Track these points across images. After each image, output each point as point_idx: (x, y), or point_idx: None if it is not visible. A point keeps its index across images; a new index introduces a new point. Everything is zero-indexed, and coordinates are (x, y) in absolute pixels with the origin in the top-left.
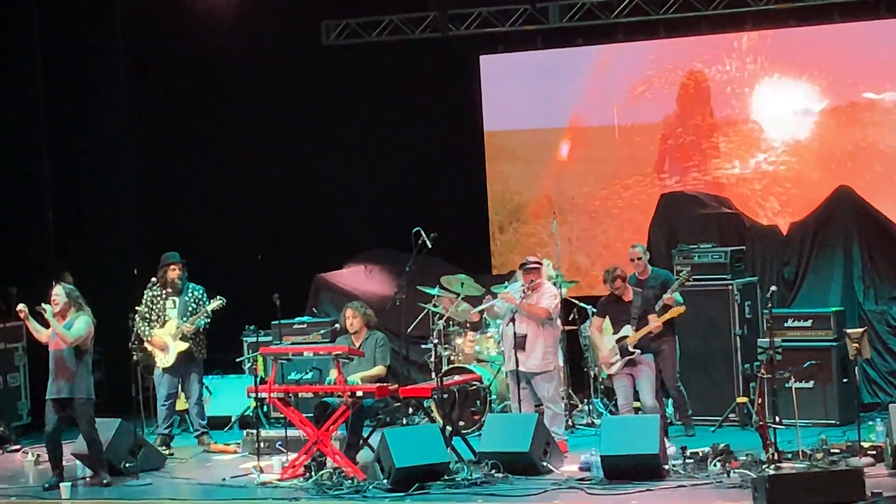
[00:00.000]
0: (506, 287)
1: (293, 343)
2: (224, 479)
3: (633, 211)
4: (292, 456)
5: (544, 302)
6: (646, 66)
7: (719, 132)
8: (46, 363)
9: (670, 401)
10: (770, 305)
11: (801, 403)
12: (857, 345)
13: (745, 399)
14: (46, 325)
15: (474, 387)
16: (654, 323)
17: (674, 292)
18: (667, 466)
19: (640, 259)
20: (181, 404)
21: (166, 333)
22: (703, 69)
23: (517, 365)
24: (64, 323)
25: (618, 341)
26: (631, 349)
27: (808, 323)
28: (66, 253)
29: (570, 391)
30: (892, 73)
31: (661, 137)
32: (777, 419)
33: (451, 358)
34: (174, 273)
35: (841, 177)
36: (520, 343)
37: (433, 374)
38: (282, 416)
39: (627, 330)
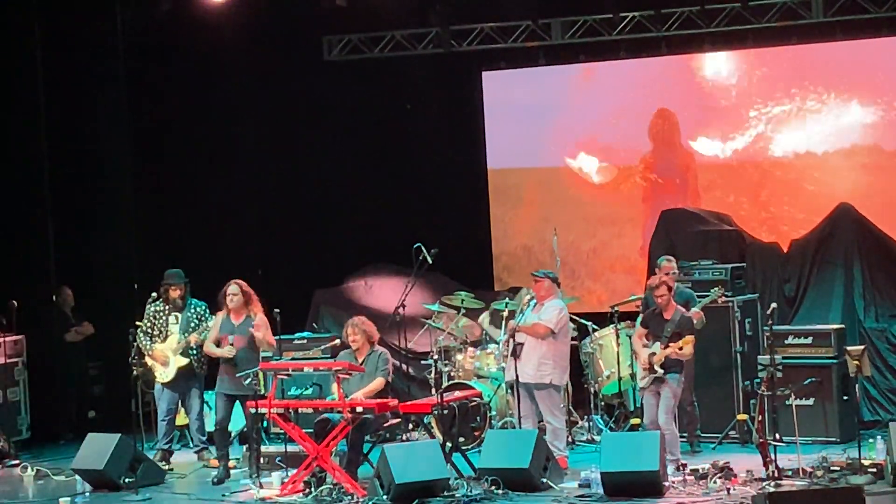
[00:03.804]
0: (506, 304)
1: (293, 359)
2: (224, 495)
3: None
4: (292, 471)
5: (544, 316)
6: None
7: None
8: (47, 378)
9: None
10: (770, 322)
11: (802, 421)
12: (857, 362)
13: (745, 416)
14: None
15: (474, 403)
16: (671, 349)
17: (701, 307)
18: (667, 483)
19: (673, 273)
20: (181, 419)
21: (167, 348)
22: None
23: (517, 375)
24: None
25: (649, 357)
26: (657, 368)
27: (809, 340)
28: (67, 268)
29: (571, 408)
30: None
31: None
32: (777, 436)
33: (451, 374)
34: (175, 293)
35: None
36: (516, 351)
37: (433, 391)
38: (282, 431)
39: (656, 348)
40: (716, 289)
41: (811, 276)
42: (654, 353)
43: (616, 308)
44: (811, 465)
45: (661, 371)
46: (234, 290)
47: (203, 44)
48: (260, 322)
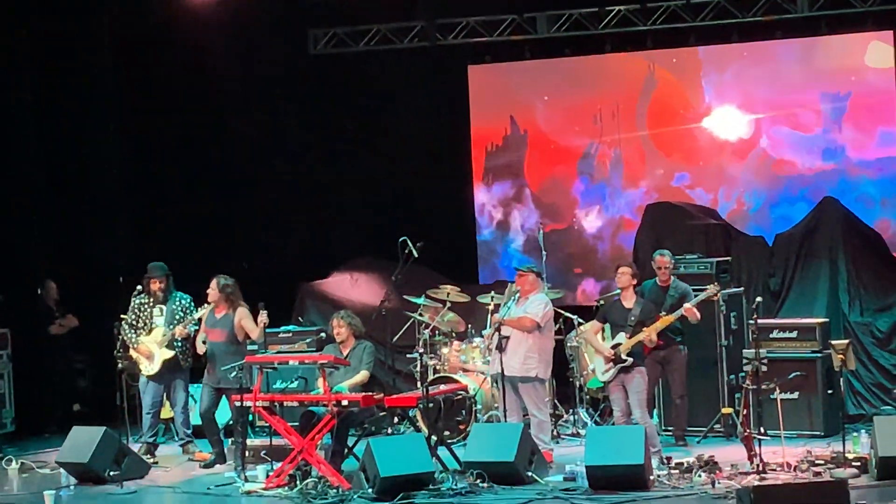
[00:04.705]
0: (491, 297)
1: (279, 352)
2: (209, 488)
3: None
4: (277, 465)
5: (530, 309)
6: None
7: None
8: (31, 371)
9: (655, 411)
10: (755, 316)
11: (787, 414)
12: (842, 356)
13: (730, 410)
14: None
15: (460, 396)
16: (645, 334)
17: (694, 304)
18: (652, 477)
19: (666, 268)
20: (166, 413)
21: (152, 341)
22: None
23: (502, 369)
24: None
25: (612, 348)
26: (623, 357)
27: (794, 334)
28: (52, 261)
29: (556, 401)
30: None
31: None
32: (762, 430)
33: (437, 367)
34: (155, 286)
35: None
36: (502, 344)
37: (419, 384)
38: (267, 424)
39: (621, 338)
40: (712, 286)
41: (796, 271)
42: (618, 344)
43: (601, 302)
44: (796, 459)
45: (629, 360)
46: (212, 284)
47: (189, 38)
48: (240, 315)
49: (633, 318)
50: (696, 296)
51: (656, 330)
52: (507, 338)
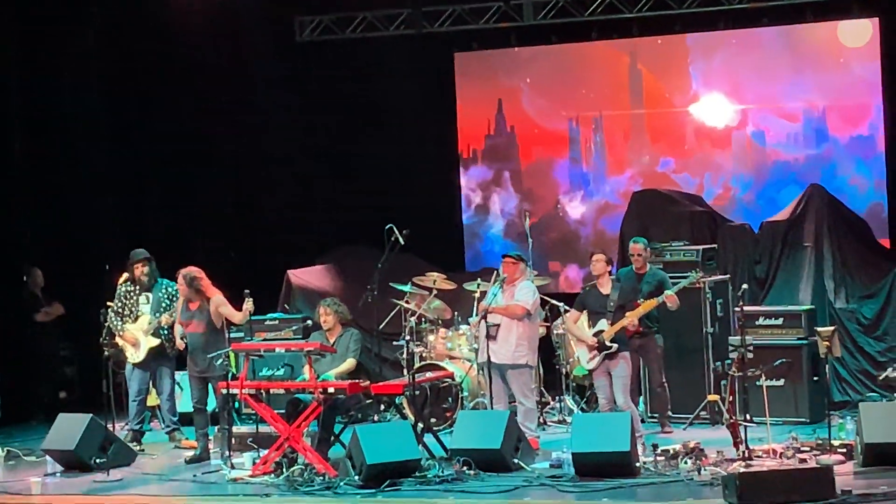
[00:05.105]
0: (478, 285)
1: (265, 339)
2: (195, 476)
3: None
4: (263, 452)
5: (520, 296)
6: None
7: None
8: (17, 359)
9: (640, 398)
10: (741, 303)
11: (772, 401)
12: (827, 343)
13: (716, 397)
14: None
15: (446, 384)
16: (628, 319)
17: (675, 291)
18: (638, 464)
19: (640, 255)
20: (152, 400)
21: (138, 329)
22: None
23: (489, 356)
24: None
25: (595, 335)
26: (608, 343)
27: (779, 321)
28: (38, 248)
29: (542, 389)
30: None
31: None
32: (748, 417)
33: (424, 355)
34: (139, 271)
35: None
36: (491, 332)
37: (405, 371)
38: (253, 412)
39: (603, 324)
40: (693, 272)
41: (782, 258)
42: (601, 331)
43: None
44: (781, 446)
45: (614, 346)
46: (179, 281)
47: (176, 25)
48: (216, 302)
49: (612, 304)
50: (674, 283)
51: (638, 315)
52: (498, 325)
